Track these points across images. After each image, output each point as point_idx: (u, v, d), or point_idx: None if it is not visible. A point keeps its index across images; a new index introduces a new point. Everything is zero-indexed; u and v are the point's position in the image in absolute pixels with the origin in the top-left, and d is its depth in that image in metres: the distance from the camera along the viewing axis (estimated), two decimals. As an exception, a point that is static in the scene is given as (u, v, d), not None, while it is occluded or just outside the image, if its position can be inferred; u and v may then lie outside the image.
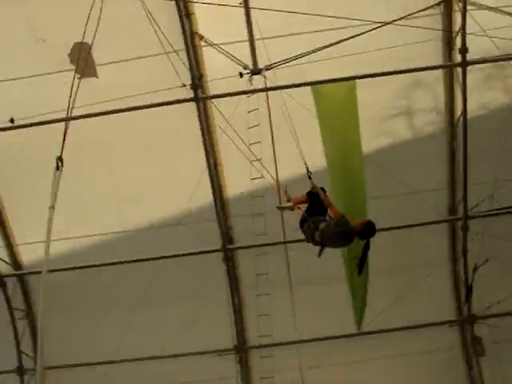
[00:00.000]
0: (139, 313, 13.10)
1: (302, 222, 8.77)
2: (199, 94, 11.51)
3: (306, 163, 9.39)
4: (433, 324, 13.69)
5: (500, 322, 13.45)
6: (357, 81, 11.23)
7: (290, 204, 9.20)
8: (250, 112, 11.32)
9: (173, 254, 12.89)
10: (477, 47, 11.15)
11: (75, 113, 11.50)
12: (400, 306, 13.14)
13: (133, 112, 11.50)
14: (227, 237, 12.92)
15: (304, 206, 9.04)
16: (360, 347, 13.42)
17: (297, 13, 10.44)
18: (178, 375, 13.52)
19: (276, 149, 11.01)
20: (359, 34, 10.86)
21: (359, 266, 8.71)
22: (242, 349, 13.52)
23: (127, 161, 12.54)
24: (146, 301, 13.00)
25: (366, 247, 8.42)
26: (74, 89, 8.64)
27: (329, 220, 8.57)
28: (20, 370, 14.33)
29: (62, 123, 9.17)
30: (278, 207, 9.69)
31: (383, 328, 13.28)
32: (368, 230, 8.26)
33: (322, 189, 8.92)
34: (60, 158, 8.16)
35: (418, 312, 13.53)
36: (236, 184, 12.48)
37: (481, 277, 13.00)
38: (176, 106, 11.53)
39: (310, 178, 9.19)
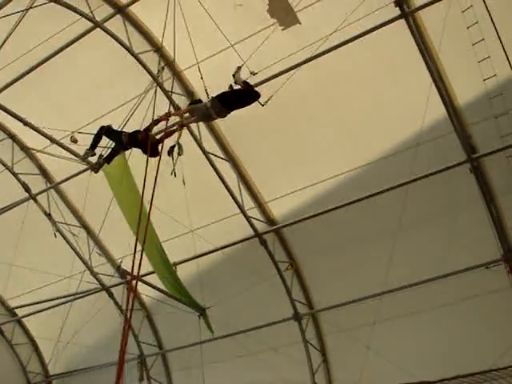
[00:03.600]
0: (397, 240, 13.00)
1: None
2: (405, 8, 10.98)
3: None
4: None
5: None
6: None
7: None
8: (464, 11, 10.54)
9: (419, 175, 12.58)
10: None
11: (289, 63, 11.79)
12: None
13: (340, 49, 11.52)
14: (469, 146, 12.27)
15: None
16: None
17: None
18: (446, 294, 13.31)
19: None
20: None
21: None
22: (510, 257, 12.78)
23: (349, 96, 12.45)
24: (401, 227, 12.89)
25: None
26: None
27: None
28: (296, 317, 15.23)
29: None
30: None
31: None
32: None
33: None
34: None
35: None
36: (466, 90, 11.77)
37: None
38: (384, 31, 11.15)
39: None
